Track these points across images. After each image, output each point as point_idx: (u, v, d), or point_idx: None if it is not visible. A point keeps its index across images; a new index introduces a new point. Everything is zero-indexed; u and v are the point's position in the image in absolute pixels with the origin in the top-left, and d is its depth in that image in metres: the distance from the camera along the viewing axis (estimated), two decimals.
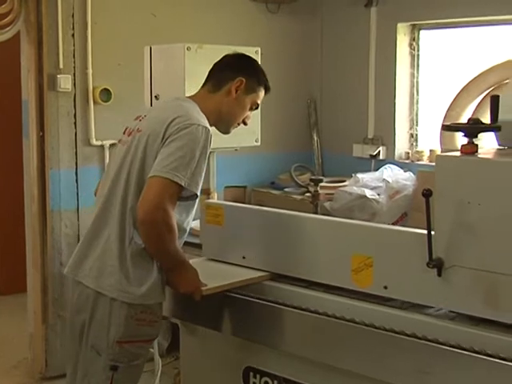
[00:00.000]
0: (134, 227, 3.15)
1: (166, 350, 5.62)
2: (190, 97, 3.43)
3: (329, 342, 3.10)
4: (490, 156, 3.02)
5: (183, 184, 3.03)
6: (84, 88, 5.46)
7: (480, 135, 3.03)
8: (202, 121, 3.17)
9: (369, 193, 5.33)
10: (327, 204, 5.35)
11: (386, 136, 6.39)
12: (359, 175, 5.59)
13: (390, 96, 6.31)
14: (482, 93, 5.57)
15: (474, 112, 5.50)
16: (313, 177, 4.86)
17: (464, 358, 2.70)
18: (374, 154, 6.34)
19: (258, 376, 3.50)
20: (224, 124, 3.45)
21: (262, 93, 3.49)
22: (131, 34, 5.48)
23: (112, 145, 5.60)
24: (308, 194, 5.03)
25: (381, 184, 5.45)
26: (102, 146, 5.61)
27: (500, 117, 3.05)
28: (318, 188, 4.64)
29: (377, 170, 5.80)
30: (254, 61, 3.57)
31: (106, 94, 5.52)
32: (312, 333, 3.14)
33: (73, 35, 5.37)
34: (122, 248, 3.15)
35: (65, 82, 5.33)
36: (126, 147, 3.27)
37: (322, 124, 6.72)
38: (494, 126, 3.03)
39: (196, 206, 3.32)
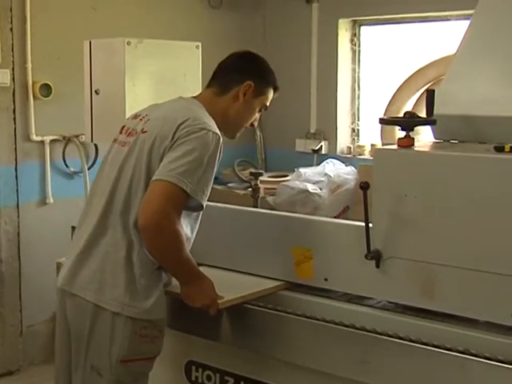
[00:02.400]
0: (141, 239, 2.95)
1: None
2: (195, 97, 3.22)
3: (271, 333, 3.12)
4: (425, 149, 3.08)
5: (188, 191, 2.82)
6: (23, 83, 5.42)
7: (418, 129, 3.10)
8: (213, 126, 2.98)
9: (311, 187, 5.39)
10: (270, 199, 5.39)
11: (328, 131, 6.48)
12: (301, 170, 5.66)
13: (331, 91, 6.39)
14: (422, 88, 5.68)
15: (413, 106, 5.61)
16: (253, 170, 4.90)
17: (402, 347, 2.76)
18: (317, 148, 6.42)
19: (200, 370, 3.51)
20: (231, 129, 3.25)
21: (271, 94, 3.29)
22: (71, 28, 5.45)
23: (53, 140, 5.60)
24: (250, 189, 5.07)
25: (323, 178, 5.52)
26: (43, 142, 5.57)
27: (436, 111, 3.07)
28: (258, 182, 4.68)
29: (319, 164, 5.87)
30: (263, 61, 3.34)
31: (46, 88, 5.48)
32: (253, 325, 3.17)
33: (11, 29, 5.29)
34: (128, 258, 2.93)
35: (3, 76, 5.26)
36: (127, 148, 3.05)
37: (265, 119, 6.73)
38: (429, 120, 3.07)
39: (199, 220, 3.14)
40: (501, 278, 2.70)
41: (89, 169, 5.73)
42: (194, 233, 3.13)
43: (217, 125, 3.06)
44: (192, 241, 3.12)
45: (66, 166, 5.71)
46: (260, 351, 3.20)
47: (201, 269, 3.17)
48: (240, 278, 3.34)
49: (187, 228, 3.05)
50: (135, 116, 3.18)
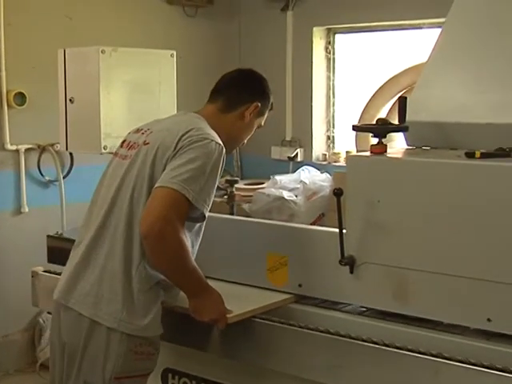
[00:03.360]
0: (142, 250, 2.89)
1: None
2: (198, 112, 3.18)
3: (245, 340, 3.10)
4: (398, 155, 3.11)
5: (190, 198, 2.79)
6: None
7: (392, 136, 3.13)
8: (216, 137, 2.97)
9: (286, 194, 5.42)
10: (246, 206, 5.41)
11: (304, 138, 6.52)
12: (277, 177, 5.69)
13: (306, 99, 6.43)
14: (395, 95, 5.71)
15: (387, 114, 5.65)
16: (228, 178, 4.92)
17: (375, 352, 2.77)
18: (292, 156, 6.46)
19: (176, 377, 3.50)
20: (231, 145, 3.21)
21: (267, 113, 3.35)
22: (46, 36, 5.47)
23: (28, 149, 5.60)
24: (226, 196, 5.09)
25: (298, 186, 5.55)
26: (18, 151, 5.57)
27: (408, 118, 3.11)
28: (234, 189, 4.69)
29: (294, 171, 5.90)
30: (266, 81, 3.35)
31: (21, 97, 5.48)
32: (227, 332, 3.11)
33: None
34: (127, 272, 2.88)
35: None
36: (128, 161, 3.01)
37: None
38: (401, 127, 3.11)
39: (201, 235, 3.10)
40: (474, 282, 2.74)
41: (64, 177, 5.74)
42: (196, 247, 3.08)
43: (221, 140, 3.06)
44: (194, 256, 3.02)
45: (41, 174, 5.71)
46: (239, 359, 3.18)
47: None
48: (245, 291, 3.28)
49: (191, 243, 3.00)
50: (137, 130, 3.15)
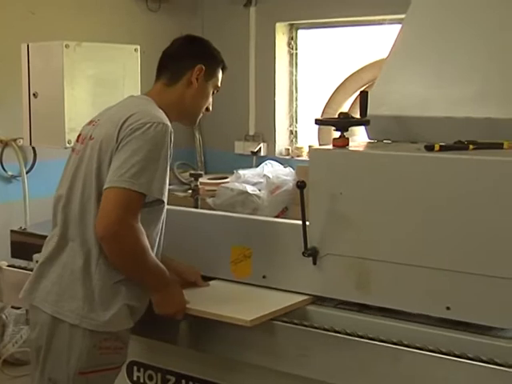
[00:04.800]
0: (100, 250, 2.84)
1: None
2: (146, 93, 3.11)
3: (213, 333, 3.10)
4: (359, 149, 3.13)
5: (143, 191, 2.74)
6: None
7: (354, 129, 3.17)
8: (159, 116, 2.88)
9: (250, 188, 5.44)
10: (210, 200, 5.43)
11: (267, 133, 6.55)
12: (241, 171, 5.71)
13: (269, 94, 6.46)
14: (357, 90, 5.74)
15: (349, 108, 5.70)
16: (193, 172, 4.94)
17: (338, 341, 2.80)
18: (255, 150, 6.49)
19: (141, 370, 3.50)
20: (189, 117, 3.17)
21: (220, 74, 3.20)
22: (8, 31, 5.43)
23: None
24: (190, 191, 5.11)
25: (262, 180, 5.58)
26: None
27: (369, 112, 3.12)
28: (198, 183, 4.72)
29: (258, 166, 5.92)
30: (207, 42, 3.23)
31: None
32: (192, 324, 3.10)
33: None
34: (86, 269, 2.85)
35: None
36: (78, 157, 2.97)
37: (204, 122, 6.76)
38: (363, 121, 3.12)
39: (164, 213, 3.02)
40: (433, 271, 2.77)
41: (27, 173, 5.72)
42: (159, 235, 3.02)
43: (173, 116, 3.02)
44: (158, 242, 3.01)
45: (4, 169, 5.70)
46: (205, 350, 3.18)
47: (217, 283, 3.25)
48: (263, 293, 3.19)
49: (152, 232, 2.93)
50: (89, 122, 3.07)
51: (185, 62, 3.09)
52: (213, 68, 3.15)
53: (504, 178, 2.66)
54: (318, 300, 3.06)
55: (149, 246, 2.87)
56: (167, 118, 2.92)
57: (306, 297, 3.07)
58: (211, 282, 3.29)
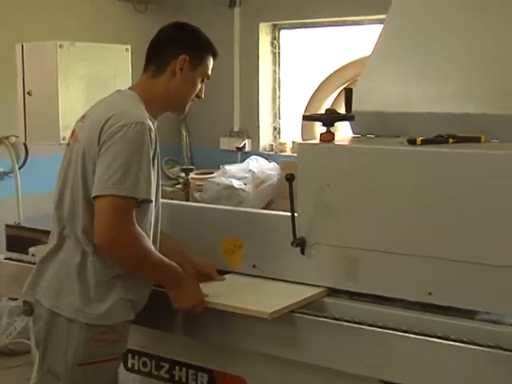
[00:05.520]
0: (93, 245, 2.80)
1: None
2: (132, 87, 3.03)
3: (207, 319, 3.07)
4: (345, 143, 3.18)
5: (130, 195, 2.68)
6: None
7: (337, 125, 3.21)
8: (137, 114, 2.79)
9: (236, 183, 5.45)
10: (197, 194, 5.43)
11: (251, 129, 6.58)
12: (226, 167, 5.71)
13: (253, 91, 6.49)
14: (339, 87, 5.79)
15: (331, 105, 5.72)
16: (184, 167, 4.96)
17: (329, 326, 2.83)
18: (240, 146, 6.51)
19: (136, 357, 3.50)
20: (176, 106, 3.06)
21: (210, 62, 3.06)
22: (1, 31, 5.44)
23: None
24: (178, 186, 5.15)
25: (247, 174, 5.58)
26: None
27: (354, 108, 3.16)
28: (189, 177, 4.75)
29: (243, 161, 5.92)
30: (193, 29, 3.07)
31: None
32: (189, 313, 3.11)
33: None
34: (82, 266, 2.84)
35: None
36: (67, 158, 2.94)
37: (190, 119, 6.79)
38: (348, 116, 3.15)
39: (155, 209, 2.96)
40: (416, 259, 2.81)
41: (19, 169, 5.73)
42: (150, 219, 2.93)
43: (161, 107, 2.99)
44: (154, 236, 2.97)
45: None
46: (200, 337, 3.19)
47: (232, 276, 3.23)
48: (278, 286, 3.15)
49: (143, 228, 2.85)
50: (81, 117, 3.00)
51: (169, 51, 2.96)
52: (199, 56, 3.01)
53: (481, 170, 2.70)
54: (334, 292, 3.04)
55: (151, 247, 2.85)
56: (146, 115, 2.84)
57: (321, 289, 3.03)
58: (226, 276, 3.26)
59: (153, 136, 2.81)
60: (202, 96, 3.11)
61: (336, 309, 2.95)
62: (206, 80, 3.09)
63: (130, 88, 3.04)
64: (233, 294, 3.06)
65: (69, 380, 2.86)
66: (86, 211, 2.82)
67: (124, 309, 2.89)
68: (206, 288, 3.03)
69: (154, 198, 2.88)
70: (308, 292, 3.01)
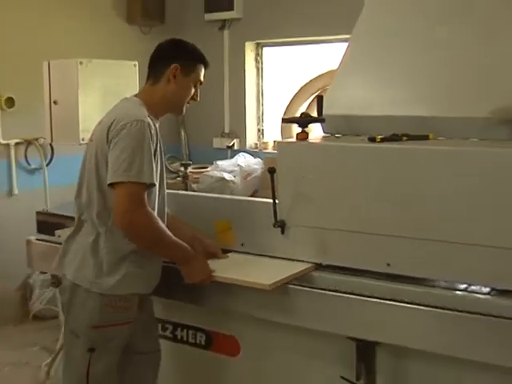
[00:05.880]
0: (105, 230, 2.84)
1: None
2: (136, 94, 3.02)
3: (209, 288, 3.04)
4: (317, 141, 3.16)
5: (136, 180, 2.69)
6: None
7: (311, 126, 3.19)
8: (138, 114, 2.80)
9: (227, 175, 5.44)
10: (194, 186, 5.42)
11: (239, 130, 6.55)
12: (219, 162, 5.71)
13: (241, 99, 6.47)
14: (312, 95, 5.77)
15: (306, 110, 5.69)
16: (183, 162, 4.95)
17: (311, 294, 2.85)
18: (230, 145, 6.49)
19: None
20: (174, 108, 3.02)
21: (201, 70, 3.03)
22: (30, 50, 5.40)
23: (17, 143, 5.58)
24: (178, 178, 5.14)
25: (236, 168, 5.58)
26: (8, 145, 5.55)
27: (324, 112, 3.16)
28: (188, 170, 4.74)
29: (232, 157, 5.92)
30: (186, 43, 3.07)
31: (10, 101, 5.44)
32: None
33: None
34: (95, 245, 2.85)
35: None
36: (85, 156, 2.97)
37: (188, 122, 6.76)
38: (319, 119, 3.15)
39: (157, 190, 2.92)
40: (376, 236, 2.82)
41: (46, 165, 5.72)
42: (154, 202, 2.90)
43: (161, 109, 2.98)
44: (160, 215, 2.92)
45: (28, 163, 5.69)
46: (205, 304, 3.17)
47: (234, 255, 3.19)
48: (273, 262, 3.10)
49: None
50: (99, 122, 2.98)
51: (163, 62, 2.96)
52: (191, 65, 2.99)
53: (427, 162, 2.72)
54: (321, 267, 3.00)
55: (165, 228, 2.83)
56: (146, 115, 2.83)
57: (309, 265, 2.99)
58: (229, 254, 3.22)
59: (153, 132, 2.81)
60: (198, 99, 3.08)
61: (321, 280, 2.94)
62: (199, 85, 3.06)
63: (135, 95, 3.03)
64: (236, 269, 3.02)
65: (87, 339, 2.87)
66: (100, 199, 2.83)
67: (131, 282, 2.88)
68: (213, 264, 3.01)
69: (157, 183, 2.87)
70: (299, 267, 2.98)
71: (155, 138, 2.83)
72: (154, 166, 2.80)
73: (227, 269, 3.01)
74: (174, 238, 2.86)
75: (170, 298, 3.25)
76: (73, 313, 2.93)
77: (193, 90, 3.03)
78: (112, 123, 2.79)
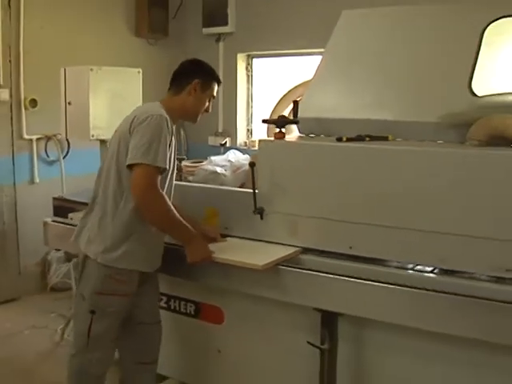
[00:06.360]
0: (115, 209, 2.87)
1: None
2: (159, 101, 3.02)
3: (205, 267, 3.02)
4: (292, 140, 3.18)
5: (151, 163, 2.72)
6: (18, 98, 5.34)
7: (291, 127, 3.20)
8: (158, 110, 2.85)
9: (219, 169, 5.39)
10: (190, 178, 5.42)
11: (231, 130, 6.52)
12: (212, 157, 5.64)
13: (233, 103, 6.44)
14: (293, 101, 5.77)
15: (288, 114, 5.67)
16: (178, 157, 4.93)
17: (287, 271, 2.86)
18: (223, 143, 6.47)
19: None
20: (191, 116, 3.07)
21: (215, 86, 3.09)
22: (51, 58, 5.38)
23: (38, 138, 5.55)
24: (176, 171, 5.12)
25: (227, 163, 5.53)
26: (31, 140, 5.49)
27: (299, 115, 3.20)
28: (182, 164, 4.74)
29: (224, 153, 5.91)
30: (205, 63, 3.13)
31: (34, 102, 5.41)
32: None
33: (9, 61, 5.25)
34: (104, 224, 2.89)
35: (4, 94, 5.22)
36: (109, 145, 3.02)
37: (187, 123, 6.67)
38: (294, 121, 3.17)
39: (169, 176, 2.95)
40: (339, 223, 2.85)
41: (63, 158, 5.70)
42: (164, 189, 2.91)
43: (178, 116, 3.00)
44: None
45: (47, 156, 5.67)
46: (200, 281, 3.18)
47: (231, 239, 3.16)
48: (266, 246, 3.07)
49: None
50: (124, 118, 2.98)
51: (186, 77, 3.01)
52: (208, 82, 3.05)
53: (385, 158, 2.75)
54: (306, 251, 2.97)
55: (173, 208, 2.83)
56: (165, 114, 2.85)
57: (297, 248, 2.97)
58: (227, 239, 3.19)
59: (169, 125, 2.84)
60: (210, 111, 3.13)
61: (301, 262, 2.93)
62: (212, 100, 3.11)
63: (159, 101, 3.04)
64: (233, 251, 3.00)
65: (90, 302, 2.91)
66: (116, 179, 2.86)
67: (132, 258, 2.89)
68: (213, 247, 3.00)
69: (170, 171, 2.90)
70: (288, 250, 2.95)
71: (170, 132, 2.86)
72: (168, 154, 2.82)
73: (226, 251, 2.99)
74: (180, 218, 2.86)
75: (172, 276, 3.24)
76: (82, 280, 2.97)
77: (207, 104, 3.08)
78: (135, 117, 2.83)
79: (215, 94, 3.12)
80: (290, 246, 3.00)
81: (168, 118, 2.85)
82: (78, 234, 3.03)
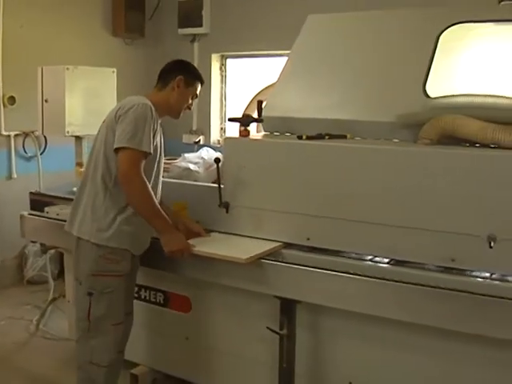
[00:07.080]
0: (105, 191, 2.92)
1: (57, 274, 5.52)
2: (145, 95, 3.05)
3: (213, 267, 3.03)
4: (257, 138, 3.26)
5: (135, 147, 2.79)
6: None
7: (256, 125, 3.25)
8: (143, 100, 2.92)
9: (192, 166, 5.37)
10: (165, 174, 5.44)
11: (205, 128, 6.55)
12: (186, 155, 5.61)
13: (207, 102, 6.46)
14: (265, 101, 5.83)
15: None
16: None
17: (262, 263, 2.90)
18: (197, 140, 6.51)
19: None
20: (174, 111, 3.13)
21: (198, 86, 3.17)
22: (28, 57, 5.40)
23: (16, 135, 5.57)
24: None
25: (200, 160, 5.55)
26: (9, 136, 5.51)
27: (264, 114, 3.24)
28: None
29: (198, 151, 5.96)
30: (189, 63, 3.24)
31: (12, 99, 5.44)
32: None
33: None
34: (95, 205, 2.93)
35: None
36: (97, 133, 3.06)
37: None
38: (258, 119, 3.21)
39: (156, 162, 3.01)
40: (299, 215, 2.92)
41: (41, 154, 5.71)
42: (152, 182, 2.97)
43: (162, 111, 3.05)
44: (152, 188, 2.92)
45: (25, 152, 5.67)
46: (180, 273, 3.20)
47: (215, 234, 3.14)
48: (249, 241, 3.06)
49: (148, 177, 2.92)
50: (114, 107, 3.06)
51: (171, 74, 3.10)
52: (191, 79, 3.13)
53: (342, 155, 2.82)
54: (288, 246, 2.97)
55: (153, 195, 2.87)
56: (151, 104, 2.91)
57: (279, 243, 2.97)
58: (211, 233, 3.19)
59: (154, 114, 2.91)
60: (191, 108, 3.21)
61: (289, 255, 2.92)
62: (194, 98, 3.18)
63: (144, 95, 3.08)
64: (217, 245, 3.00)
65: (87, 285, 2.93)
66: (104, 163, 2.92)
67: (122, 238, 2.93)
68: (197, 241, 3.01)
69: (158, 156, 2.98)
70: (270, 245, 2.96)
71: (155, 120, 2.92)
72: (154, 141, 2.89)
73: (210, 245, 2.99)
74: (160, 208, 2.90)
75: (153, 268, 3.26)
76: (77, 263, 2.98)
77: (189, 101, 3.15)
78: (121, 107, 2.91)
79: (198, 93, 3.19)
80: (254, 238, 3.06)
81: (152, 107, 2.91)
82: (70, 221, 3.04)
